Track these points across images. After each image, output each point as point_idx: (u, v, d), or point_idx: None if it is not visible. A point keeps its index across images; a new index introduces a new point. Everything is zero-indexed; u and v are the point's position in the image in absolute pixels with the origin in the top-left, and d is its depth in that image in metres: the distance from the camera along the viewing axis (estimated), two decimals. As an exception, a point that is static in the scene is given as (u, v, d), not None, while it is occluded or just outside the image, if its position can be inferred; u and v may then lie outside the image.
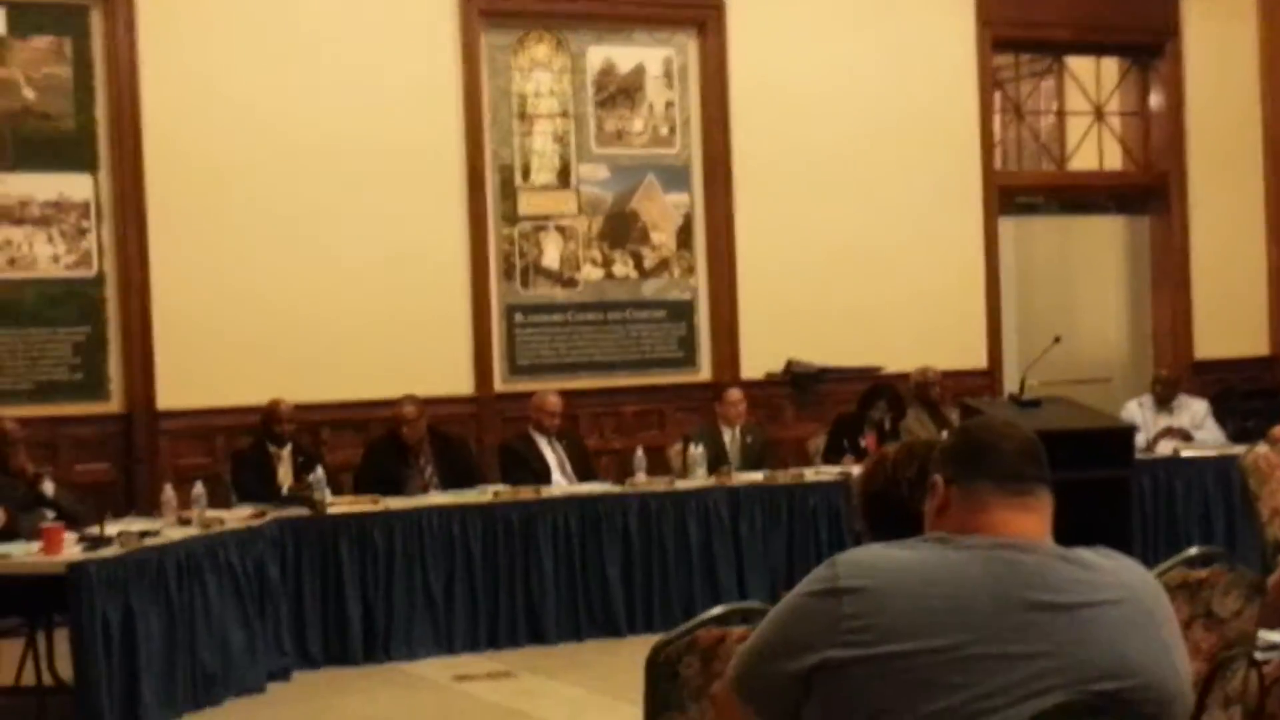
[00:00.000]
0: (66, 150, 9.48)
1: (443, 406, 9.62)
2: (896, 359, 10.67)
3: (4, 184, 9.35)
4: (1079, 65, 12.46)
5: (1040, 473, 2.65)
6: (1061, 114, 12.56)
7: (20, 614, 7.27)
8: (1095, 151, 12.51)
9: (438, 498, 8.71)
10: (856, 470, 8.64)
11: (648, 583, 8.71)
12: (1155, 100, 12.43)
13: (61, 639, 7.08)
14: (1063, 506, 2.67)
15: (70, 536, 6.98)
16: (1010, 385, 10.84)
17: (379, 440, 9.26)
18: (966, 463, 2.66)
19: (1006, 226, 11.83)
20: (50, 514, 7.39)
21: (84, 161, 9.51)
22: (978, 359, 11.48)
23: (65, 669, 7.09)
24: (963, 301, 11.53)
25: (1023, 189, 12.15)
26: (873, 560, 2.56)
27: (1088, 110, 12.48)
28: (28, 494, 7.68)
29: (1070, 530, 2.64)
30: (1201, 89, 12.31)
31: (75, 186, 9.51)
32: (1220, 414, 10.83)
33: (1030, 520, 2.61)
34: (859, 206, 11.14)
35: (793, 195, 10.99)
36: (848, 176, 11.13)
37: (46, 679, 7.29)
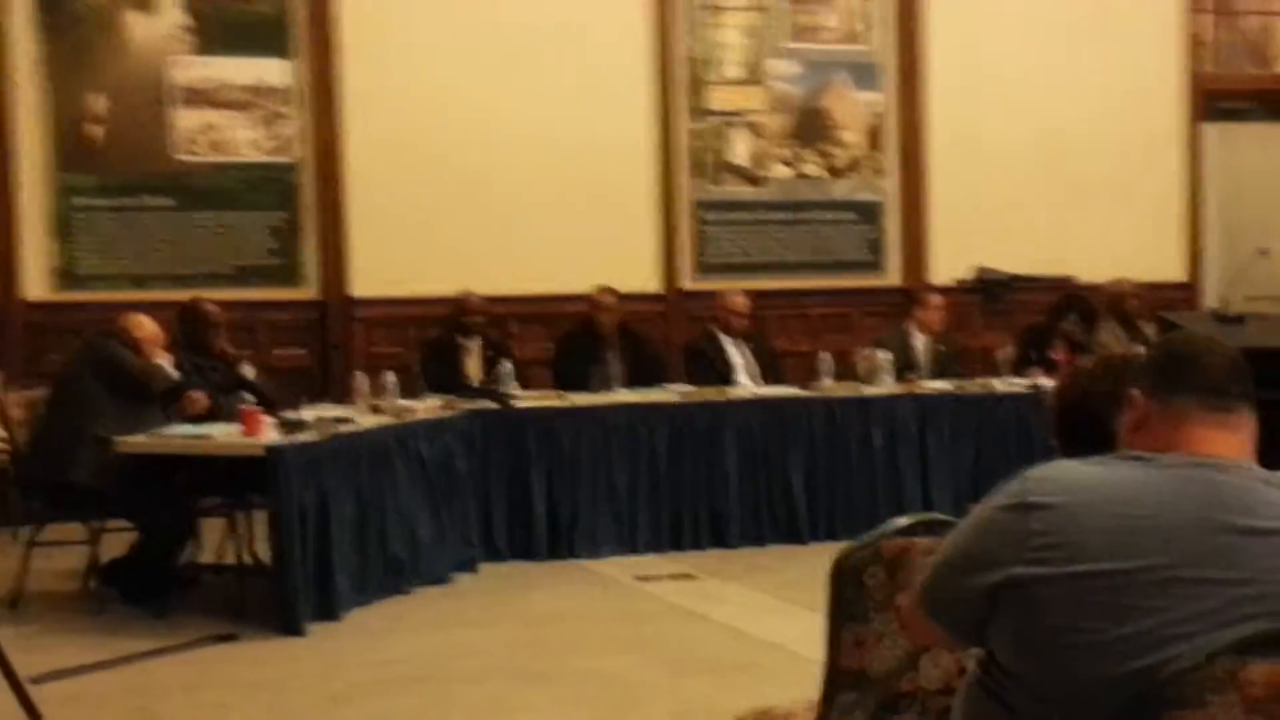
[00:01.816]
0: (264, 35, 9.64)
1: (630, 303, 9.61)
2: (1090, 269, 10.45)
3: (206, 67, 9.56)
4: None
5: (1245, 390, 2.56)
6: (1272, 14, 12.23)
7: (221, 493, 7.47)
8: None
9: (625, 395, 8.76)
10: (1046, 383, 8.66)
11: (831, 489, 8.69)
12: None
13: (259, 521, 7.33)
14: (1264, 428, 2.58)
15: (268, 420, 7.12)
16: (1210, 300, 10.67)
17: (573, 331, 9.34)
18: (1168, 376, 2.59)
19: (1210, 133, 11.51)
20: (249, 397, 7.56)
21: (281, 47, 9.67)
22: (1176, 271, 11.24)
23: (263, 550, 7.33)
24: (1161, 211, 11.27)
25: (1229, 93, 11.78)
26: (1064, 476, 2.52)
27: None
28: (228, 376, 7.86)
29: (1270, 453, 2.56)
30: None
31: (272, 71, 9.69)
32: None
33: (1232, 440, 2.54)
34: (1054, 110, 10.91)
35: (986, 97, 10.79)
36: (1043, 79, 10.90)
37: (246, 558, 7.57)
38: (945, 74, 10.83)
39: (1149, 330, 9.25)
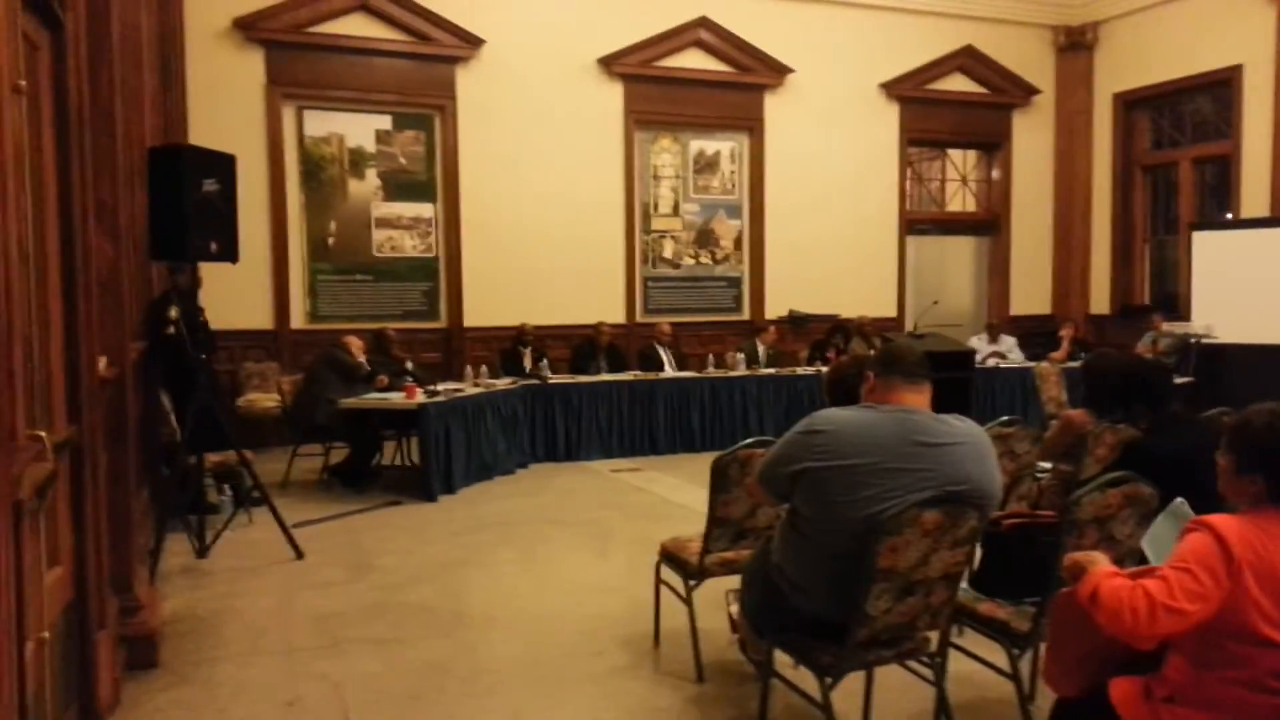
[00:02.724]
0: (420, 189, 9.49)
1: (613, 328, 9.51)
2: (848, 310, 10.37)
3: (390, 207, 9.42)
4: (954, 153, 12.01)
5: (926, 372, 2.59)
6: (943, 180, 12.18)
7: (394, 428, 7.41)
8: (961, 200, 12.09)
9: (606, 376, 8.64)
10: (824, 370, 8.62)
11: (714, 423, 8.60)
12: (996, 173, 11.93)
13: (414, 442, 7.24)
14: (937, 392, 2.61)
15: (419, 390, 7.07)
16: (909, 326, 10.66)
17: (582, 343, 9.17)
18: (886, 365, 2.60)
19: (911, 241, 11.49)
20: (410, 379, 7.48)
21: (430, 195, 9.49)
22: (892, 311, 11.16)
23: (414, 457, 7.24)
24: (885, 281, 11.19)
25: (919, 220, 11.77)
26: (832, 415, 2.52)
27: (957, 178, 12.08)
28: (399, 368, 7.78)
29: (938, 404, 2.60)
30: (1021, 169, 11.86)
31: (425, 209, 9.52)
32: (1025, 343, 10.55)
33: (920, 398, 2.56)
34: (837, 228, 10.83)
35: (796, 221, 10.68)
36: (823, 212, 10.80)
37: (407, 462, 7.52)
38: (775, 210, 10.74)
39: (878, 342, 9.20)
